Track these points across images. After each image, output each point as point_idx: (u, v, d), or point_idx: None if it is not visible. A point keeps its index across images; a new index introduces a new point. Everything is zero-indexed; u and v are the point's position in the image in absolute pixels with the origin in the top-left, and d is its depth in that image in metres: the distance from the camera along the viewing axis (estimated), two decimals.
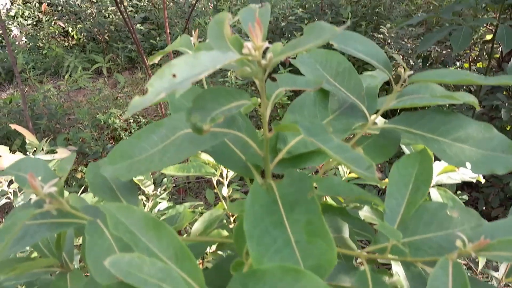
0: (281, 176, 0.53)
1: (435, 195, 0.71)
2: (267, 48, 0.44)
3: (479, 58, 3.11)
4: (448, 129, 0.57)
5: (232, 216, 0.98)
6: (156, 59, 0.72)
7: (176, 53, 2.52)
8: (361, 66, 3.17)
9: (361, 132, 0.58)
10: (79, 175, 3.22)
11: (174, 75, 0.38)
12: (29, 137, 1.96)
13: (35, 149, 1.97)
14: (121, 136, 3.55)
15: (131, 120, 3.76)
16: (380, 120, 0.63)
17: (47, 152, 1.93)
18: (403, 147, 0.71)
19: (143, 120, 3.73)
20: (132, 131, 3.61)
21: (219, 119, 0.40)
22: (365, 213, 0.73)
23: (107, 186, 0.59)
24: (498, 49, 2.86)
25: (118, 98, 4.27)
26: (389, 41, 3.38)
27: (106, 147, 3.37)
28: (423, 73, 0.55)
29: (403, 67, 0.54)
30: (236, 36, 0.46)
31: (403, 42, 3.28)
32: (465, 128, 0.57)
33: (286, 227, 0.42)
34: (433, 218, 0.54)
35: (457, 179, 0.80)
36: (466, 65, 2.99)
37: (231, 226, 0.97)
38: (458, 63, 2.88)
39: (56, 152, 1.86)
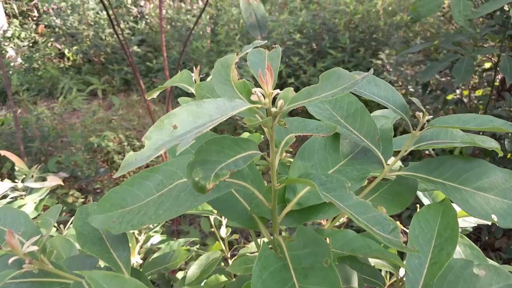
0: (290, 229, 0.48)
1: None
2: (277, 94, 0.40)
3: (478, 85, 3.11)
4: (470, 177, 0.52)
5: (231, 258, 0.91)
6: (154, 95, 0.68)
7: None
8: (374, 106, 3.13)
9: (377, 181, 0.53)
10: (70, 199, 3.15)
11: (174, 127, 0.33)
12: (19, 164, 1.90)
13: (24, 176, 1.90)
14: (114, 159, 3.49)
15: (125, 143, 3.71)
16: (394, 160, 0.58)
17: (37, 179, 1.87)
18: (419, 193, 0.66)
19: (138, 143, 3.67)
20: (126, 154, 3.54)
21: (224, 176, 0.35)
22: (376, 259, 0.68)
23: (96, 236, 0.53)
24: (497, 77, 2.86)
25: (113, 120, 4.22)
26: (387, 67, 3.38)
27: (98, 170, 3.30)
28: (444, 119, 0.51)
29: (422, 111, 0.50)
30: (244, 81, 0.41)
31: (402, 69, 3.28)
32: (488, 176, 0.52)
33: None
34: (458, 277, 0.48)
35: (472, 223, 0.75)
36: (465, 93, 2.98)
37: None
38: (458, 91, 2.87)
39: (46, 179, 1.80)
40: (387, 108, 0.65)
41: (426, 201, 0.68)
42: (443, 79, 3.10)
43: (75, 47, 5.40)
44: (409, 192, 0.55)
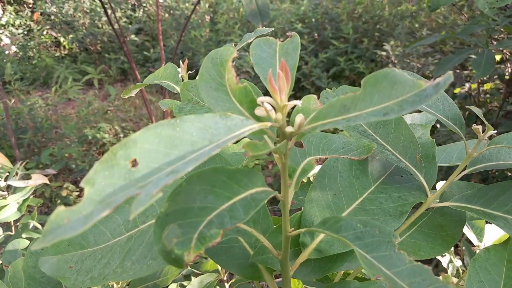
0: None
1: None
2: (293, 106, 0.27)
3: (487, 79, 2.98)
4: None
5: (227, 282, 0.79)
6: (131, 93, 0.55)
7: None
8: None
9: (417, 214, 0.40)
10: (64, 193, 3.05)
11: (134, 163, 0.20)
12: (2, 161, 1.78)
13: (7, 173, 1.78)
14: None
15: (122, 135, 3.58)
16: (441, 187, 0.45)
17: (22, 177, 1.75)
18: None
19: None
20: None
21: (213, 239, 0.22)
22: None
23: (51, 282, 0.41)
24: (506, 70, 2.73)
25: (108, 111, 4.09)
26: (393, 59, 3.24)
27: (93, 163, 3.19)
28: (511, 135, 0.38)
29: (484, 124, 0.37)
30: (245, 86, 0.28)
31: (408, 61, 3.14)
32: None
33: None
34: None
35: None
36: (474, 86, 2.85)
37: None
38: (466, 85, 2.74)
39: (31, 177, 1.68)
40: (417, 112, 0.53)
41: (466, 230, 0.56)
42: (451, 72, 2.97)
43: (71, 35, 5.25)
44: (456, 225, 0.43)
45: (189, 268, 1.03)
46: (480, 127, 0.39)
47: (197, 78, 0.46)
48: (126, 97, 0.57)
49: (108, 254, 0.35)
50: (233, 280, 0.79)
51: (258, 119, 0.26)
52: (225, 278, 0.78)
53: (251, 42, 0.45)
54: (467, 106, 0.44)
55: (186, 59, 0.53)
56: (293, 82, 0.27)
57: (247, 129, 0.23)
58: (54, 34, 5.45)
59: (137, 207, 0.18)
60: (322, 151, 0.36)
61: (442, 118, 0.39)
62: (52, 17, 5.44)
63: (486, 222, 0.63)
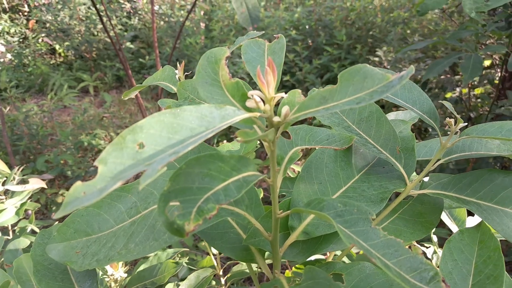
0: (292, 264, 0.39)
1: None
2: (280, 99, 0.30)
3: (478, 83, 3.03)
4: (510, 195, 0.43)
5: (223, 277, 0.82)
6: (131, 94, 0.58)
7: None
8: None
9: (397, 202, 0.44)
10: (59, 199, 3.06)
11: (141, 145, 0.23)
12: (0, 166, 1.80)
13: (5, 178, 1.80)
14: None
15: None
16: (418, 176, 0.49)
17: (19, 182, 1.77)
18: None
19: None
20: None
21: (210, 212, 0.26)
22: None
23: (59, 269, 0.44)
24: (496, 75, 2.79)
25: (104, 118, 4.12)
26: (385, 64, 3.29)
27: (89, 170, 3.21)
28: (483, 127, 0.42)
29: (455, 118, 0.41)
30: (237, 81, 0.32)
31: (400, 66, 3.19)
32: None
33: None
34: None
35: None
36: (465, 91, 2.90)
37: None
38: (457, 89, 2.79)
39: (28, 182, 1.70)
40: (401, 110, 0.56)
41: (445, 218, 0.59)
42: (442, 77, 3.02)
43: (66, 43, 5.27)
44: (434, 212, 0.46)
45: (185, 266, 1.05)
46: (452, 120, 0.43)
47: (193, 78, 0.49)
48: (126, 98, 0.60)
49: (113, 239, 0.38)
50: (228, 275, 0.82)
51: (249, 110, 0.30)
52: (221, 273, 0.81)
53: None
54: (440, 101, 0.48)
55: (183, 61, 0.57)
56: (279, 77, 0.31)
57: (238, 118, 0.27)
58: (49, 41, 5.47)
59: (145, 179, 0.22)
60: (308, 142, 0.40)
61: (418, 112, 0.43)
62: (48, 24, 5.47)
63: (468, 215, 0.66)
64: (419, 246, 0.59)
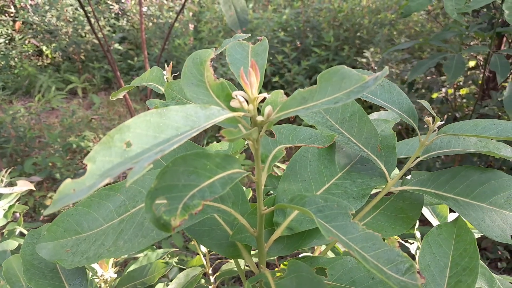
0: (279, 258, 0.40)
1: None
2: (263, 99, 0.32)
3: (463, 84, 3.09)
4: (486, 191, 0.45)
5: (213, 275, 0.83)
6: (119, 95, 0.59)
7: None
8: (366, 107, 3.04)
9: (379, 198, 0.45)
10: (48, 202, 3.04)
11: (128, 144, 0.25)
12: None
13: None
14: None
15: None
16: (399, 173, 0.51)
17: (7, 185, 1.76)
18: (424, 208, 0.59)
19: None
20: None
21: (196, 208, 0.27)
22: None
23: (48, 268, 0.44)
24: (480, 75, 2.84)
25: (93, 120, 4.09)
26: (373, 65, 3.33)
27: (78, 172, 3.19)
28: (459, 125, 0.43)
29: (432, 116, 0.42)
30: (222, 82, 0.33)
31: (387, 67, 3.23)
32: (505, 189, 0.45)
33: None
34: None
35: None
36: (450, 91, 2.95)
37: (210, 287, 0.83)
38: (443, 89, 2.84)
39: (16, 184, 1.69)
40: (383, 110, 0.58)
41: (429, 216, 0.61)
42: (428, 77, 3.07)
43: (53, 44, 5.23)
44: (415, 208, 0.48)
45: (175, 266, 1.06)
46: (431, 119, 0.44)
47: (181, 79, 0.50)
48: (114, 99, 0.61)
49: (102, 237, 0.39)
50: (217, 274, 0.83)
51: (233, 110, 0.31)
52: (210, 272, 0.82)
53: None
54: (418, 100, 0.50)
55: (171, 62, 0.58)
56: (262, 78, 0.32)
57: (223, 117, 0.28)
58: (36, 43, 5.42)
59: (132, 176, 0.23)
60: (291, 141, 0.41)
61: (397, 111, 0.45)
62: (35, 26, 5.42)
63: (450, 211, 0.68)
64: (400, 240, 0.61)
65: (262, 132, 0.32)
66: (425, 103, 0.46)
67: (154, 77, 0.56)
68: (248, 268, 0.65)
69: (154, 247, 1.39)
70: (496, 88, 2.37)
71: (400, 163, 0.56)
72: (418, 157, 0.47)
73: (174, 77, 0.57)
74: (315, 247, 0.69)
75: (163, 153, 0.24)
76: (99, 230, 0.40)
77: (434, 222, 0.67)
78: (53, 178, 3.24)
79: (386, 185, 0.46)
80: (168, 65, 0.57)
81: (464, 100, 2.95)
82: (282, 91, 0.32)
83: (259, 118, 0.30)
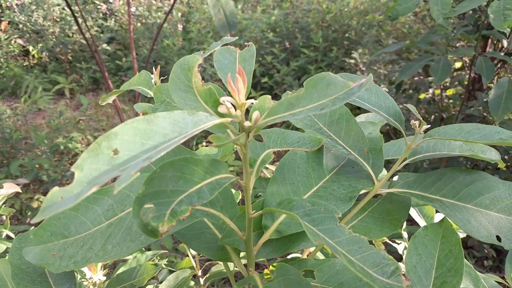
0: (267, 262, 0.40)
1: None
2: (251, 104, 0.32)
3: (449, 85, 3.13)
4: (471, 192, 0.46)
5: (202, 277, 0.83)
6: (109, 99, 0.59)
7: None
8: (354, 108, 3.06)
9: (366, 200, 0.46)
10: (35, 204, 2.99)
11: (115, 152, 0.25)
12: None
13: None
14: None
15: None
16: (385, 176, 0.51)
17: None
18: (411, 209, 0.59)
19: None
20: None
21: (183, 214, 0.27)
22: None
23: (36, 272, 0.44)
24: (466, 76, 2.88)
25: (80, 121, 4.05)
26: (361, 66, 3.36)
27: (66, 174, 3.15)
28: (444, 129, 0.44)
29: (419, 119, 0.43)
30: (210, 88, 0.33)
31: (375, 68, 3.26)
32: (490, 190, 0.46)
33: None
34: None
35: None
36: (437, 92, 2.99)
37: None
38: (430, 90, 2.87)
39: (2, 187, 1.67)
40: (371, 112, 0.58)
41: (416, 216, 0.62)
42: (416, 78, 3.10)
43: (40, 45, 5.17)
44: (402, 210, 0.49)
45: (165, 268, 1.06)
46: (417, 122, 0.45)
47: (169, 84, 0.50)
48: (104, 103, 0.61)
49: (90, 241, 0.39)
50: (207, 276, 0.83)
51: (221, 115, 0.31)
52: (199, 274, 0.82)
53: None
54: (405, 104, 0.51)
55: (159, 66, 0.58)
56: (249, 84, 0.32)
57: (211, 123, 0.28)
58: (22, 43, 5.35)
59: (119, 184, 0.23)
60: (280, 145, 0.41)
61: (383, 115, 0.45)
62: (21, 26, 5.35)
63: (436, 212, 0.69)
64: (388, 241, 0.62)
65: (250, 137, 0.32)
66: (411, 107, 0.47)
67: (143, 81, 0.56)
68: (237, 269, 0.65)
69: (143, 249, 1.39)
70: (482, 89, 2.40)
71: (388, 163, 0.57)
72: (405, 159, 0.48)
73: (163, 80, 0.57)
74: (304, 249, 0.69)
75: (150, 160, 0.24)
76: (87, 234, 0.40)
77: (421, 222, 0.68)
78: (40, 180, 3.20)
79: (373, 187, 0.47)
80: (156, 68, 0.57)
81: (451, 101, 2.98)
82: (269, 96, 0.32)
83: (247, 124, 0.31)
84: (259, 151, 0.41)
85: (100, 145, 0.25)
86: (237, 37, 0.48)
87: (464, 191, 0.46)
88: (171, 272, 1.21)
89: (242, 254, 0.52)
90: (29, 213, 2.90)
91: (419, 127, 0.45)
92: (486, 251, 2.05)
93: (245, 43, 0.37)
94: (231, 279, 0.47)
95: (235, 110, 0.31)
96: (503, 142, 0.41)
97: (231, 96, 0.31)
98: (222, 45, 0.41)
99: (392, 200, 0.49)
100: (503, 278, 0.93)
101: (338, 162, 0.49)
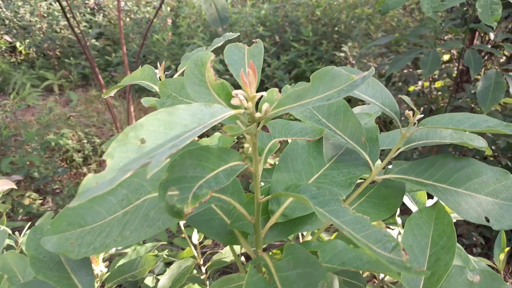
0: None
1: None
2: (260, 97, 0.34)
3: (438, 77, 3.18)
4: (461, 177, 0.50)
5: (204, 265, 0.86)
6: (111, 93, 0.61)
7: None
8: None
9: (364, 186, 0.49)
10: (26, 201, 2.99)
11: (142, 141, 0.27)
12: None
13: None
14: (74, 158, 3.33)
15: (85, 141, 3.55)
16: (382, 163, 0.55)
17: None
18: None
19: (98, 140, 3.52)
20: (86, 152, 3.40)
21: (204, 196, 0.29)
22: None
23: (53, 260, 0.46)
24: (454, 69, 2.93)
25: (71, 117, 4.03)
26: (350, 60, 3.40)
27: (57, 170, 3.14)
28: (436, 118, 0.47)
29: (413, 110, 0.46)
30: (222, 82, 0.35)
31: (365, 61, 3.30)
32: (479, 175, 0.50)
33: None
34: (452, 285, 0.46)
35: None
36: (426, 84, 3.04)
37: (202, 277, 0.85)
38: (419, 83, 2.92)
39: None
40: (368, 104, 0.61)
41: (409, 203, 0.65)
42: (405, 71, 3.15)
43: (27, 40, 5.11)
44: (397, 194, 0.52)
45: (165, 257, 1.08)
46: (411, 112, 0.48)
47: (176, 75, 0.53)
48: (106, 97, 0.63)
49: (107, 229, 0.41)
50: (209, 264, 0.86)
51: (233, 107, 0.34)
52: (201, 263, 0.85)
53: (220, 45, 0.52)
54: (400, 96, 0.54)
55: (163, 61, 0.60)
56: (259, 78, 0.35)
57: (226, 114, 0.31)
58: (9, 39, 5.28)
59: (151, 169, 0.25)
60: (284, 135, 0.44)
61: (380, 106, 0.48)
62: (7, 21, 5.28)
63: (428, 198, 0.73)
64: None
65: (260, 127, 0.35)
66: (406, 98, 0.50)
67: (146, 75, 0.58)
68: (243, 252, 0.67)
69: (141, 242, 1.41)
70: (469, 81, 2.45)
71: (380, 154, 0.60)
72: (399, 148, 0.51)
73: (166, 76, 0.59)
74: (300, 236, 0.72)
75: (176, 147, 0.27)
76: (104, 223, 0.42)
77: (413, 207, 0.71)
78: (31, 177, 3.19)
79: (371, 174, 0.50)
80: (146, 63, 0.59)
81: (439, 93, 3.04)
82: (277, 89, 0.35)
83: (258, 115, 0.33)
84: (266, 141, 0.44)
85: (127, 135, 0.28)
86: (238, 34, 0.50)
87: (455, 176, 0.49)
88: (168, 264, 1.23)
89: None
90: (20, 210, 2.89)
91: (413, 116, 0.48)
92: (474, 238, 2.11)
93: (253, 40, 0.40)
94: (238, 262, 0.50)
95: (247, 102, 0.33)
96: (490, 130, 0.45)
97: (241, 89, 0.34)
98: (225, 41, 0.44)
99: (388, 185, 0.52)
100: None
101: (336, 151, 0.52)
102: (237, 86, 0.37)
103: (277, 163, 0.48)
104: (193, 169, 0.32)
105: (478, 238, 2.12)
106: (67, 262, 0.47)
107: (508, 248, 1.00)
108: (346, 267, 0.42)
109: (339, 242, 0.44)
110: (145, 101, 0.52)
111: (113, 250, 1.16)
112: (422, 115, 0.48)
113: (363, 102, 0.68)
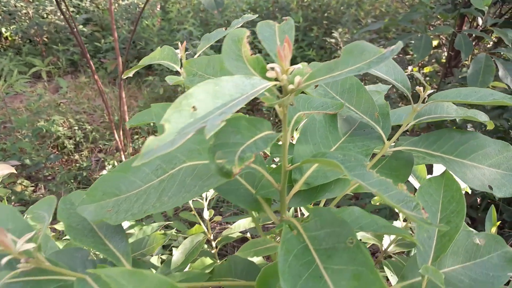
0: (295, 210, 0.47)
1: None
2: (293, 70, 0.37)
3: (426, 62, 3.23)
4: (466, 149, 0.53)
5: (214, 240, 0.89)
6: (130, 73, 0.63)
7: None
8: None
9: (377, 157, 0.52)
10: (18, 188, 2.97)
11: (194, 108, 0.30)
12: None
13: None
14: (65, 144, 3.32)
15: (76, 128, 3.53)
16: (395, 135, 0.58)
17: None
18: None
19: (89, 127, 3.51)
20: (77, 139, 3.39)
21: (249, 159, 0.32)
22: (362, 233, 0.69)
23: (86, 228, 0.49)
24: (443, 54, 2.99)
25: (61, 104, 4.00)
26: (341, 45, 3.43)
27: (49, 157, 3.13)
28: (445, 93, 0.51)
29: (424, 85, 0.49)
30: (257, 57, 0.38)
31: (401, 42, 3.33)
32: (482, 147, 0.54)
33: (327, 281, 0.36)
34: (460, 247, 0.50)
35: None
36: (415, 70, 3.09)
37: (213, 251, 0.89)
38: (409, 68, 2.97)
39: None
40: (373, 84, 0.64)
41: (410, 178, 0.70)
42: (395, 56, 3.20)
43: (13, 26, 5.02)
44: (406, 166, 0.56)
45: (174, 234, 1.11)
46: (421, 88, 0.52)
47: (196, 55, 0.55)
48: (125, 77, 0.65)
49: (144, 196, 0.44)
50: (219, 239, 0.90)
51: (269, 79, 0.37)
52: (211, 238, 0.88)
53: (240, 26, 0.55)
54: (411, 72, 0.57)
55: (185, 41, 0.62)
56: (292, 52, 0.38)
57: (264, 85, 0.34)
58: None
59: (209, 131, 0.28)
60: (307, 108, 0.47)
61: (394, 82, 0.52)
62: None
63: (427, 174, 0.77)
64: None
65: (291, 98, 0.38)
66: (417, 74, 0.53)
67: (166, 56, 0.60)
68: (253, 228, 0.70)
69: (143, 223, 1.44)
70: (458, 66, 2.51)
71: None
72: (409, 122, 0.54)
73: (187, 55, 0.61)
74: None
75: (226, 114, 0.30)
76: (139, 191, 0.45)
77: (415, 183, 0.75)
78: (22, 164, 3.17)
79: (384, 146, 0.53)
80: (181, 44, 0.61)
81: (428, 78, 3.10)
82: (306, 63, 0.38)
83: (291, 87, 0.36)
84: (292, 114, 0.47)
85: (181, 103, 0.30)
86: (257, 15, 0.53)
87: (461, 148, 0.53)
88: (165, 247, 1.26)
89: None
90: (13, 197, 2.88)
91: (423, 91, 0.51)
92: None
93: (283, 18, 0.42)
94: (258, 228, 0.54)
95: (282, 75, 0.36)
96: (496, 102, 0.48)
97: (273, 63, 0.37)
98: (245, 21, 0.46)
99: (398, 158, 0.56)
100: None
101: (350, 127, 0.55)
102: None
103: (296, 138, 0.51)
104: (234, 136, 0.35)
105: (465, 218, 2.19)
106: (100, 230, 0.49)
107: (499, 222, 1.05)
108: (363, 230, 0.46)
109: (356, 209, 0.48)
110: (170, 79, 0.54)
111: None
112: (433, 91, 0.52)
113: (364, 83, 0.71)
